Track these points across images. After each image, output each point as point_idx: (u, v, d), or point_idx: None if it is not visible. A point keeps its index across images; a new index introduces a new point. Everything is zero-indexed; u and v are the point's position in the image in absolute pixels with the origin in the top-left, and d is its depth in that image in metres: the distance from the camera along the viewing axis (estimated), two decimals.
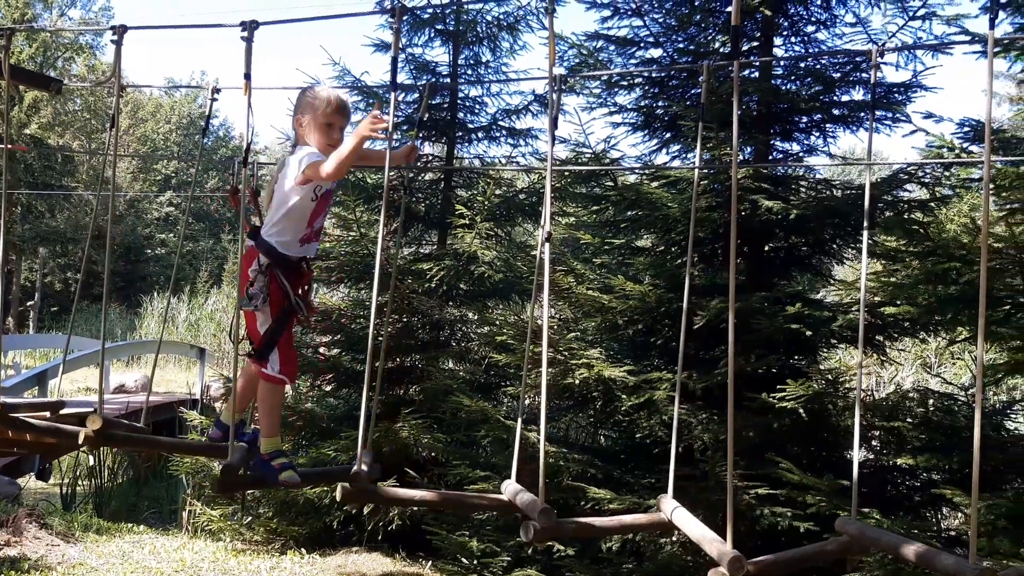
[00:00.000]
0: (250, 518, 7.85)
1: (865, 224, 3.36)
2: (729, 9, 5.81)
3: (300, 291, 3.48)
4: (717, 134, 4.99)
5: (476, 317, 7.90)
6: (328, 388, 8.49)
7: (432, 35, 8.38)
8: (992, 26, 2.35)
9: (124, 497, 9.81)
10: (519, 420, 3.46)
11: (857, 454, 3.27)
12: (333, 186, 3.60)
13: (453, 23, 8.26)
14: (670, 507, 3.31)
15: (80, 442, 3.36)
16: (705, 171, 5.52)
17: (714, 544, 2.88)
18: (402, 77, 8.68)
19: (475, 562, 5.59)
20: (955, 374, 14.44)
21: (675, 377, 5.34)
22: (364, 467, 3.31)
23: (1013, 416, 5.66)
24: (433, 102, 8.38)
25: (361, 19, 9.01)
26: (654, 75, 5.89)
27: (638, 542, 5.21)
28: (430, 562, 6.88)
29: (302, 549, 7.33)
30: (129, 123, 36.21)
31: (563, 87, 3.71)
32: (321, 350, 8.33)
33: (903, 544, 2.81)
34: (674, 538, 5.16)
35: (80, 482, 9.98)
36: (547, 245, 3.20)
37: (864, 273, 3.23)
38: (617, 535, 4.81)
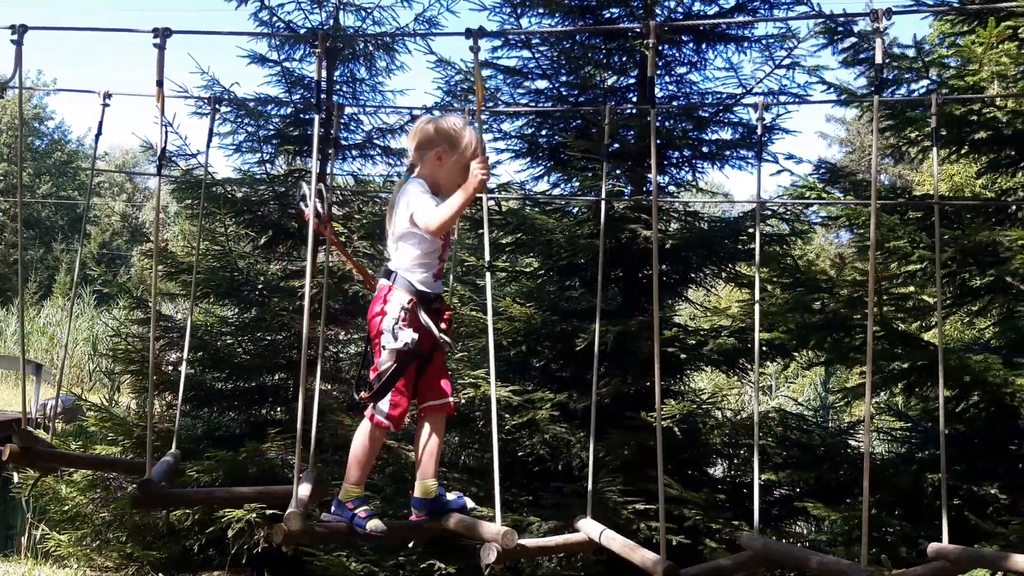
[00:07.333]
0: (99, 542, 7.47)
1: (756, 261, 3.63)
2: (612, 46, 6.11)
3: (440, 326, 3.29)
4: (601, 167, 5.23)
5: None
6: (186, 407, 8.19)
7: (308, 50, 8.33)
8: (879, 92, 2.63)
9: None
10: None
11: (757, 474, 3.51)
12: None
13: (330, 39, 8.21)
14: (596, 529, 3.45)
15: (5, 458, 3.13)
16: (586, 201, 5.77)
17: (649, 559, 3.04)
18: (276, 90, 8.59)
19: None
20: (788, 397, 15.38)
21: (556, 397, 5.53)
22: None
23: (855, 434, 6.16)
24: (307, 116, 8.34)
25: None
26: (557, 112, 6.08)
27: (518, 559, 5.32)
28: None
29: (159, 574, 7.03)
30: None
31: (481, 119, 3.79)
32: (181, 368, 8.04)
33: (807, 556, 3.06)
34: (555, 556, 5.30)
35: None
36: (488, 275, 3.27)
37: (756, 302, 3.49)
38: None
